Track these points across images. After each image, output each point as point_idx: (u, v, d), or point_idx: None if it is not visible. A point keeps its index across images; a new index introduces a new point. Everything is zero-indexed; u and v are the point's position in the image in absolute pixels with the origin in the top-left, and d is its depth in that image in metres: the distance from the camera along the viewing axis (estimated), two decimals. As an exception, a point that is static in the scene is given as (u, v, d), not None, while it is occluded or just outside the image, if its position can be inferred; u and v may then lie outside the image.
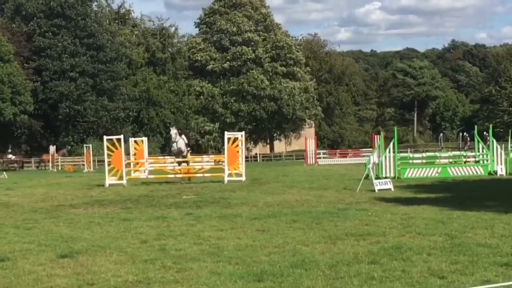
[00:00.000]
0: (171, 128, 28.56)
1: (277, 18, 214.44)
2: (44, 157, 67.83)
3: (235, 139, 34.29)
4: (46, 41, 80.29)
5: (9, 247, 12.81)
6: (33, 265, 10.99)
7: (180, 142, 33.38)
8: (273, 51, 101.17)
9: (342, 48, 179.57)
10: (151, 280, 9.64)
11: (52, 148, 65.20)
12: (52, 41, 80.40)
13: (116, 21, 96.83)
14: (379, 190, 23.62)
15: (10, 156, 65.03)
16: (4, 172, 48.00)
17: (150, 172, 36.41)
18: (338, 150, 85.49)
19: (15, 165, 65.86)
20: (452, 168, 32.93)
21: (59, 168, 63.80)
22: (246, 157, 47.42)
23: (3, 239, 14.03)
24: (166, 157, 44.05)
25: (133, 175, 35.48)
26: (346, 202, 20.30)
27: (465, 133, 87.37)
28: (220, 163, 34.79)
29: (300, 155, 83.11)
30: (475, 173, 32.34)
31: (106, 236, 14.04)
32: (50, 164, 64.11)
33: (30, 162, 74.49)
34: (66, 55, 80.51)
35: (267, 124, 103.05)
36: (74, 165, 65.66)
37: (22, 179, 40.96)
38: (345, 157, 69.49)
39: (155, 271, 10.29)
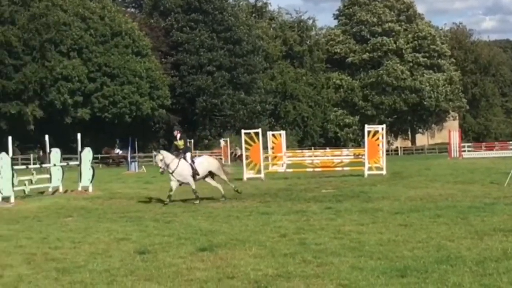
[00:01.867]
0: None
1: (419, 8, 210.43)
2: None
3: (376, 132, 33.97)
4: (184, 36, 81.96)
5: (149, 240, 13.13)
6: (173, 258, 11.20)
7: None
8: (415, 42, 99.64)
9: (488, 38, 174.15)
10: (291, 274, 9.62)
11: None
12: (190, 35, 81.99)
13: (253, 15, 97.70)
14: (529, 184, 22.78)
15: (118, 151, 66.40)
16: (143, 167, 49.37)
17: (288, 166, 36.53)
18: (483, 143, 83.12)
19: (124, 160, 66.57)
20: None
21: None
22: (387, 151, 46.85)
23: (143, 232, 14.39)
24: (304, 150, 44.08)
25: (271, 169, 35.73)
26: (494, 196, 19.69)
27: None
28: (360, 156, 34.52)
29: (443, 148, 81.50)
30: None
31: (245, 230, 14.15)
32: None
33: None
34: (204, 49, 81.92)
35: (408, 117, 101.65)
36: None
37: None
38: (492, 150, 67.38)
39: (295, 265, 10.27)
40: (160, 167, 22.14)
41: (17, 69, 71.25)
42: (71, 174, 28.52)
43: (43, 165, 28.34)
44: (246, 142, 33.19)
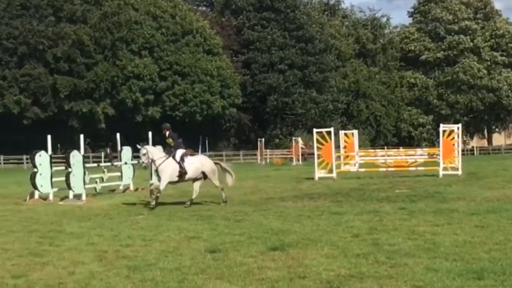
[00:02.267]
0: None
1: (497, 5, 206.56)
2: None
3: (451, 132, 33.50)
4: (255, 34, 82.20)
5: (220, 239, 13.17)
6: (244, 257, 11.21)
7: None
8: (493, 40, 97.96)
9: None
10: (364, 275, 9.54)
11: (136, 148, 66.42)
12: (261, 34, 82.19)
13: (326, 13, 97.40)
14: None
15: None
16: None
17: (361, 165, 36.30)
18: None
19: None
20: None
21: (267, 161, 65.09)
22: (462, 151, 46.18)
23: (214, 230, 14.44)
24: (377, 150, 43.74)
25: (343, 168, 35.54)
26: None
27: None
28: (434, 156, 34.06)
29: (522, 148, 79.82)
30: None
31: (317, 230, 14.07)
32: (259, 157, 65.60)
33: (238, 155, 76.37)
34: (275, 48, 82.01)
35: (485, 116, 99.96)
36: (283, 158, 66.83)
37: (232, 172, 42.11)
38: None
39: (368, 265, 10.18)
40: (143, 162, 21.59)
41: (89, 68, 72.62)
42: (141, 172, 28.83)
43: (115, 163, 28.71)
44: (317, 141, 33.07)
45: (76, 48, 71.92)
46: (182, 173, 21.01)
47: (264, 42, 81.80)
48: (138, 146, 21.56)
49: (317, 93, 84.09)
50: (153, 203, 20.32)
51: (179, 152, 21.22)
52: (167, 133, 21.86)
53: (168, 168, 20.99)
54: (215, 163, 22.43)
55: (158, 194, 20.66)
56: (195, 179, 21.53)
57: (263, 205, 19.95)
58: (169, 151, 21.43)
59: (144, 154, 21.09)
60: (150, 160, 21.24)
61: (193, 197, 21.08)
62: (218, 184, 21.63)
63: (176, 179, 21.20)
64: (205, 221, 16.15)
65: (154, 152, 21.50)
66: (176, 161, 21.01)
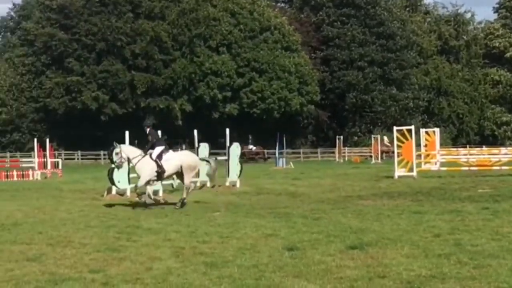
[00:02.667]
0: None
1: None
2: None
3: (537, 130, 32.78)
4: (335, 31, 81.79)
5: (298, 237, 13.15)
6: (322, 255, 11.17)
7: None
8: None
9: None
10: (445, 276, 9.41)
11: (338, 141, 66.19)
12: (341, 30, 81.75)
13: (407, 9, 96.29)
14: None
15: (251, 147, 66.49)
16: (291, 162, 49.68)
17: (442, 164, 35.82)
18: None
19: (257, 156, 66.15)
20: None
21: (345, 159, 64.80)
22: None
23: (292, 228, 14.43)
24: (459, 149, 43.11)
25: (423, 167, 35.15)
26: None
27: None
28: (520, 155, 33.38)
29: None
30: None
31: (397, 229, 13.93)
32: (337, 155, 65.35)
33: (316, 153, 76.26)
34: (355, 44, 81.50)
35: None
36: (361, 156, 66.43)
37: (309, 170, 42.13)
38: None
39: (450, 266, 10.03)
40: (115, 161, 21.20)
41: (167, 64, 73.41)
42: (219, 169, 29.04)
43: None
44: (398, 139, 32.76)
45: (154, 45, 72.77)
46: (159, 172, 20.70)
47: (344, 38, 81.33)
48: (115, 144, 21.40)
49: (397, 91, 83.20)
50: (143, 200, 20.25)
51: (157, 149, 20.90)
52: (148, 130, 21.72)
53: (145, 167, 20.72)
54: (207, 161, 22.35)
55: (138, 192, 20.47)
56: (173, 175, 21.43)
57: (341, 203, 19.88)
58: (161, 148, 21.12)
59: (117, 153, 20.84)
60: (124, 159, 21.07)
61: (184, 195, 20.66)
62: (188, 182, 20.91)
63: (155, 177, 20.92)
64: (282, 218, 16.16)
65: (128, 150, 21.25)
66: (153, 159, 20.73)
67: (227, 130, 28.46)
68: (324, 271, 9.93)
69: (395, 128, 33.69)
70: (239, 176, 27.21)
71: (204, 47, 73.52)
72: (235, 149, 27.87)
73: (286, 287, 9.10)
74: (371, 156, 61.10)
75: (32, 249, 12.24)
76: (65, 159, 63.55)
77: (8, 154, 70.56)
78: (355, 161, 59.54)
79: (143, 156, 20.75)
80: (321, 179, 31.49)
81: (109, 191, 23.69)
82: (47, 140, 44.79)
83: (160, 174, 20.77)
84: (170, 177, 21.24)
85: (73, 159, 70.64)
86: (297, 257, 11.06)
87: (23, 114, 74.74)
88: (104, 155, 62.82)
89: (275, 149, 54.86)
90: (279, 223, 15.32)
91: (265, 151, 65.93)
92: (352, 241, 12.33)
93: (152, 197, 20.61)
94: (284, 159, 51.13)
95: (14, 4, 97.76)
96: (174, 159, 20.99)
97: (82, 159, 71.06)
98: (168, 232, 14.09)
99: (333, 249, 11.64)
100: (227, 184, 26.68)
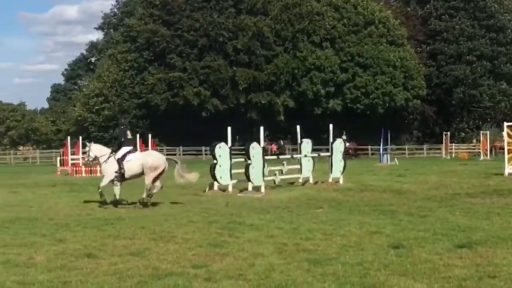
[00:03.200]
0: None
1: None
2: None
3: None
4: (443, 24, 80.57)
5: (404, 235, 12.98)
6: (429, 253, 10.99)
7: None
8: None
9: None
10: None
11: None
12: (449, 24, 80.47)
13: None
14: None
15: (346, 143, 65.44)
16: (396, 159, 49.20)
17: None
18: None
19: (351, 152, 64.77)
20: None
21: (453, 155, 63.76)
22: None
23: (397, 226, 14.26)
24: None
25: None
26: None
27: None
28: None
29: None
30: None
31: (507, 227, 13.62)
32: (443, 151, 64.39)
33: (421, 149, 75.33)
34: (463, 38, 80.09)
35: None
36: (469, 152, 65.25)
37: (414, 166, 41.63)
38: None
39: None
40: (85, 158, 21.54)
41: (269, 60, 73.66)
42: (320, 165, 28.98)
43: (294, 156, 28.99)
44: (508, 135, 31.97)
45: (256, 40, 73.17)
46: (120, 173, 20.43)
47: (452, 32, 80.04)
48: (87, 143, 21.71)
49: (508, 85, 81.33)
50: (104, 198, 20.07)
51: (123, 150, 20.75)
52: (121, 129, 21.85)
53: (109, 167, 20.61)
54: (174, 161, 21.94)
55: (100, 191, 20.22)
56: (138, 176, 20.90)
57: (449, 201, 19.52)
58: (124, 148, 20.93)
59: (84, 152, 21.16)
60: (91, 158, 21.18)
61: (144, 195, 20.21)
62: (147, 182, 20.30)
63: (118, 178, 20.56)
64: (387, 216, 16.00)
65: (97, 150, 21.19)
66: (116, 160, 20.59)
67: (331, 126, 28.31)
68: (431, 270, 9.76)
69: (505, 124, 32.89)
70: (342, 173, 27.07)
71: (307, 42, 73.56)
72: (339, 145, 27.73)
73: (391, 285, 8.96)
74: (479, 153, 59.91)
75: (135, 243, 12.43)
76: (167, 154, 64.43)
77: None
78: (462, 158, 58.53)
79: (109, 157, 20.78)
80: (427, 176, 31.07)
81: (211, 186, 23.92)
82: (149, 136, 45.57)
83: (121, 175, 20.52)
84: (137, 177, 20.80)
85: (174, 154, 71.62)
86: (403, 255, 10.91)
87: (126, 110, 76.24)
88: (206, 150, 63.50)
89: (379, 145, 54.39)
90: (383, 220, 15.17)
91: (356, 147, 66.00)
92: (460, 240, 12.11)
93: (118, 197, 20.28)
94: (389, 155, 50.67)
95: (117, 1, 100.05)
96: (136, 159, 20.71)
97: (183, 154, 72.03)
98: (271, 228, 14.10)
99: (441, 248, 11.44)
100: (330, 180, 26.56)
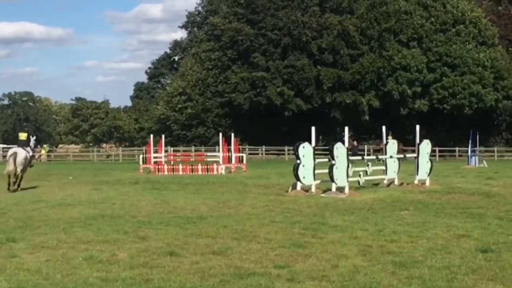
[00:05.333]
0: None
1: None
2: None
3: None
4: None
5: (492, 238, 12.73)
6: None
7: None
8: None
9: None
10: None
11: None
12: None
13: None
14: None
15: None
16: (484, 161, 48.30)
17: None
18: None
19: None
20: None
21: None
22: None
23: (486, 229, 13.99)
24: None
25: None
26: None
27: None
28: None
29: None
30: None
31: None
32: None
33: (511, 151, 73.83)
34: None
35: None
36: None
37: (504, 169, 40.78)
38: None
39: None
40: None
41: (354, 59, 73.28)
42: (406, 166, 28.65)
43: (379, 157, 28.76)
44: None
45: (341, 39, 72.85)
46: None
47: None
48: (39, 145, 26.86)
49: None
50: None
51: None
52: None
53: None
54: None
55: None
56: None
57: (541, 205, 19.05)
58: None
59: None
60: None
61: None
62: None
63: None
64: (475, 219, 15.71)
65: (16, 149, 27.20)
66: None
67: (417, 127, 27.99)
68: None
69: None
70: (428, 174, 26.71)
71: (394, 41, 72.94)
72: (425, 146, 27.36)
73: (480, 291, 8.80)
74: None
75: (218, 242, 12.47)
76: (249, 154, 64.69)
77: (192, 148, 72.85)
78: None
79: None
80: (516, 179, 30.44)
81: (294, 187, 23.89)
82: (232, 135, 45.83)
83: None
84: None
85: (257, 154, 71.94)
86: (492, 259, 10.70)
87: (209, 108, 76.91)
88: (288, 150, 63.53)
89: (467, 146, 53.51)
90: (471, 223, 14.90)
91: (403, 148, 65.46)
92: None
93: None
94: (477, 157, 49.76)
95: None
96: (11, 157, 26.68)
97: (266, 154, 72.21)
98: (355, 230, 13.98)
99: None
100: (416, 182, 26.23)
